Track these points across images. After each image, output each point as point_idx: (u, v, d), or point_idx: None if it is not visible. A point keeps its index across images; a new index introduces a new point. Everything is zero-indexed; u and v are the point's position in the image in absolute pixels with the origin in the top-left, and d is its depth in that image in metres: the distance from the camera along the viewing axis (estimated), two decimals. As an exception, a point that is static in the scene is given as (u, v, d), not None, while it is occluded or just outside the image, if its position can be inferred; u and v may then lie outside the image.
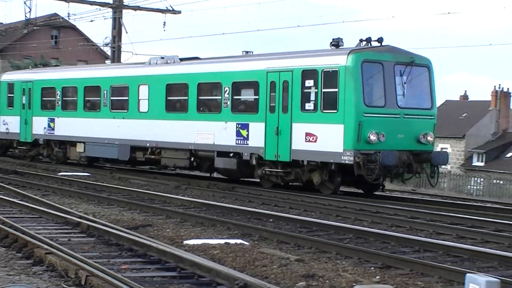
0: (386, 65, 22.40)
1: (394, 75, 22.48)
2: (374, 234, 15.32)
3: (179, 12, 42.99)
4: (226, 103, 25.66)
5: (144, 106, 29.20)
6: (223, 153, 25.70)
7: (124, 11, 43.14)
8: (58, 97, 34.03)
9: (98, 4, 43.05)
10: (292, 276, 11.32)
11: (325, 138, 22.40)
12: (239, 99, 25.96)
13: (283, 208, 20.43)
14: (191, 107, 27.06)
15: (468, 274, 8.71)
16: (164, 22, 42.08)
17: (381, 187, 24.18)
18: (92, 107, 32.42)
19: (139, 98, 29.44)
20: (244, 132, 24.93)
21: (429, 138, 22.87)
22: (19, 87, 36.61)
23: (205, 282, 10.66)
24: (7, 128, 37.31)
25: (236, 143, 25.20)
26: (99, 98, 31.56)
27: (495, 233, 16.19)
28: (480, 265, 12.53)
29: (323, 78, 22.52)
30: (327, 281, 11.08)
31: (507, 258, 12.60)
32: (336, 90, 22.18)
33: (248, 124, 24.82)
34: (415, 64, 22.84)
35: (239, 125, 25.07)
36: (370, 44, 23.00)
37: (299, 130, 23.11)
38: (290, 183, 24.58)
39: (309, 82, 23.08)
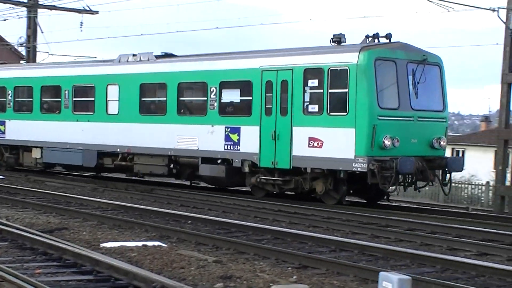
0: (399, 63, 20.54)
1: (407, 74, 20.66)
2: (292, 234, 15.47)
3: (97, 12, 40.88)
4: (213, 104, 23.39)
5: (113, 108, 26.65)
6: (209, 160, 23.45)
7: (39, 10, 40.88)
8: (9, 97, 31.05)
9: (11, 2, 40.59)
10: (209, 277, 11.37)
11: (332, 143, 20.41)
12: (228, 100, 23.73)
13: (202, 210, 20.42)
14: (170, 109, 24.67)
15: (381, 273, 8.91)
16: (81, 23, 39.78)
17: (385, 197, 22.37)
18: (50, 109, 29.62)
19: (108, 99, 26.87)
20: (234, 137, 22.73)
21: (442, 142, 21.13)
22: None
23: (121, 285, 10.56)
24: None
25: (225, 149, 22.97)
26: (59, 99, 28.79)
27: (408, 232, 16.64)
28: (393, 264, 12.81)
29: (329, 77, 20.51)
30: (244, 282, 11.15)
31: (419, 256, 12.98)
32: (346, 90, 20.20)
33: (239, 128, 22.62)
34: (427, 63, 21.06)
35: (229, 129, 22.86)
36: (378, 40, 21.13)
37: (301, 134, 21.05)
38: (286, 192, 22.55)
39: (313, 82, 21.05)
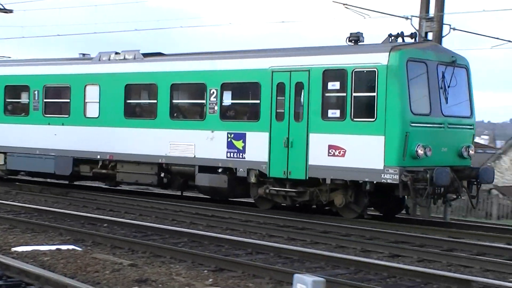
0: (430, 65, 18.87)
1: (438, 77, 19.03)
2: (208, 237, 15.55)
3: (11, 11, 38.29)
4: (213, 108, 21.28)
5: (93, 111, 24.25)
6: (207, 168, 21.34)
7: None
8: None
9: None
10: (124, 281, 11.21)
11: (357, 152, 18.61)
12: (232, 103, 21.71)
13: (118, 213, 20.34)
14: (161, 113, 22.43)
15: (295, 275, 8.96)
16: (-4, 21, 37.28)
17: (405, 210, 20.69)
18: (16, 111, 26.96)
19: (86, 100, 24.46)
20: (238, 144, 20.68)
21: (471, 151, 19.59)
22: None
23: (34, 290, 10.26)
24: None
25: (227, 157, 20.89)
26: (27, 100, 26.20)
27: (324, 234, 16.91)
28: (309, 266, 12.96)
29: (354, 79, 18.72)
30: (160, 285, 11.06)
31: (334, 258, 13.25)
32: (374, 94, 18.42)
33: (245, 134, 20.59)
34: (456, 65, 19.49)
35: (232, 135, 20.79)
36: (403, 40, 19.43)
37: (319, 141, 19.20)
38: (298, 205, 20.65)
39: (334, 85, 19.24)
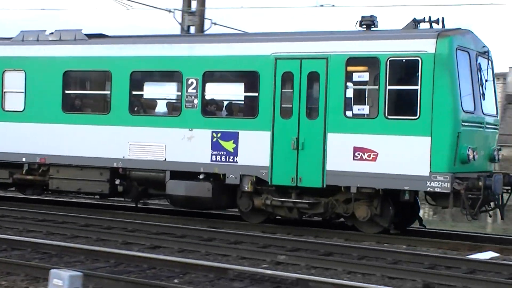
0: (472, 56, 16.33)
1: (478, 70, 16.54)
2: None
3: None
4: (192, 102, 17.47)
5: (15, 103, 19.57)
6: (183, 174, 17.52)
7: None
8: None
9: None
10: None
11: (393, 155, 15.69)
12: (219, 97, 17.97)
13: None
14: (117, 107, 18.24)
15: (52, 270, 8.83)
16: None
17: (418, 221, 18.00)
18: None
19: (4, 90, 19.74)
20: (228, 145, 17.05)
21: (501, 155, 17.33)
22: None
23: None
24: None
25: (211, 160, 17.20)
26: None
27: (84, 228, 16.71)
28: (67, 260, 12.75)
29: (388, 69, 15.76)
30: None
31: (93, 252, 13.14)
32: (417, 87, 15.57)
33: (237, 133, 16.98)
34: (488, 57, 17.11)
35: (218, 134, 17.11)
36: (431, 26, 16.72)
37: (340, 143, 16.07)
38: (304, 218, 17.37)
39: (361, 76, 16.22)
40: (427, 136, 15.37)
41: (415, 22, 16.68)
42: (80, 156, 18.53)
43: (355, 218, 16.40)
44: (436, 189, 15.25)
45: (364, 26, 16.92)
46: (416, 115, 15.47)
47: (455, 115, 15.34)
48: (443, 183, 15.15)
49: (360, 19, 16.97)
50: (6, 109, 19.67)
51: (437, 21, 16.75)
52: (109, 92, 18.48)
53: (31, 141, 19.17)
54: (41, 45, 19.42)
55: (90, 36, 19.07)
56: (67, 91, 19.09)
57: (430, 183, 15.27)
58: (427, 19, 16.67)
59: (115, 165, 18.16)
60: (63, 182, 18.97)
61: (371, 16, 16.97)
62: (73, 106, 19.16)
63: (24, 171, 19.43)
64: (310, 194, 16.54)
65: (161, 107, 18.60)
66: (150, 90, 19.34)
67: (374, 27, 16.94)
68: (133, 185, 18.44)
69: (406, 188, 15.55)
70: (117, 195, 19.03)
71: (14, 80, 19.53)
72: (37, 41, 19.50)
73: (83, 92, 19.79)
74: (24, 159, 19.31)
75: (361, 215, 16.20)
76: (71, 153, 18.65)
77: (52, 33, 19.51)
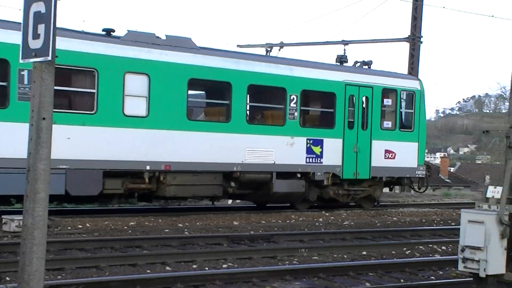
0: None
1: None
2: None
3: None
4: (293, 114, 21.03)
5: (137, 107, 18.17)
6: (284, 174, 20.95)
7: None
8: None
9: None
10: None
11: (402, 154, 23.88)
12: (310, 110, 21.47)
13: None
14: (237, 116, 19.89)
15: None
16: None
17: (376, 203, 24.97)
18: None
19: (126, 93, 17.94)
20: (317, 149, 21.72)
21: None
22: None
23: None
24: None
25: (306, 162, 21.42)
26: (4, 83, 16.02)
27: None
28: None
29: (400, 98, 23.75)
30: None
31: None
32: (412, 110, 24.03)
33: (322, 140, 21.81)
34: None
35: (311, 141, 21.50)
36: (369, 66, 24.86)
37: (378, 147, 23.16)
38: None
39: (388, 101, 23.67)
40: (416, 142, 24.34)
41: (356, 63, 24.46)
42: (201, 162, 19.36)
43: (362, 199, 23.67)
44: (419, 175, 24.46)
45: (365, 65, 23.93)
46: (411, 129, 24.20)
47: (426, 129, 24.80)
48: (422, 171, 24.52)
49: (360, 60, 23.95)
50: (126, 114, 17.96)
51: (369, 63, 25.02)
52: (229, 102, 19.80)
53: (155, 148, 18.46)
54: (165, 50, 18.57)
55: (205, 48, 19.66)
56: (190, 99, 19.13)
57: (417, 172, 24.39)
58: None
59: (234, 169, 20.01)
60: (180, 189, 19.19)
61: (343, 55, 24.00)
62: (196, 114, 19.26)
63: (147, 180, 18.39)
64: (354, 184, 23.02)
65: (270, 118, 20.88)
66: (261, 102, 20.83)
67: (345, 63, 24.00)
68: (245, 187, 20.39)
69: (407, 175, 24.16)
70: (230, 196, 20.29)
71: (137, 84, 18.05)
72: (159, 45, 18.52)
73: (206, 101, 19.64)
74: (148, 167, 18.43)
75: (377, 194, 23.81)
76: (193, 160, 19.21)
77: (158, 37, 18.80)
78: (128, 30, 18.70)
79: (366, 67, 24.24)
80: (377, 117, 23.37)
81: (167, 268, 12.07)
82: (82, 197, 17.94)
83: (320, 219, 20.13)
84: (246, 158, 20.30)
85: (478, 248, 7.72)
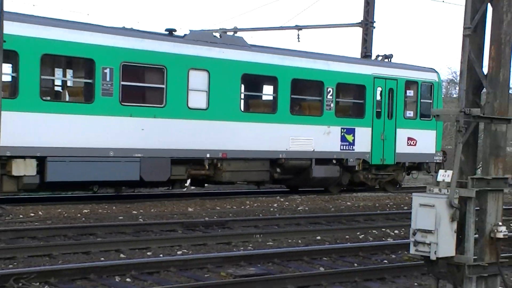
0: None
1: None
2: None
3: None
4: (330, 105, 23.01)
5: (199, 100, 19.90)
6: (321, 161, 22.89)
7: None
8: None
9: None
10: None
11: (423, 141, 25.95)
12: (343, 102, 23.42)
13: None
14: (282, 107, 21.80)
15: None
16: None
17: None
18: (68, 95, 17.42)
19: (190, 88, 19.71)
20: (349, 137, 23.70)
21: None
22: None
23: None
24: None
25: (340, 149, 23.40)
26: (90, 80, 17.89)
27: None
28: None
29: (420, 89, 25.79)
30: None
31: None
32: (430, 100, 26.10)
33: (354, 129, 23.81)
34: None
35: (344, 130, 23.50)
36: (390, 60, 26.91)
37: (402, 135, 25.21)
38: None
39: (410, 92, 25.76)
40: (434, 130, 26.40)
41: (380, 56, 26.50)
42: (252, 150, 21.24)
43: (387, 182, 25.70)
44: (437, 160, 26.54)
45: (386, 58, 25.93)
46: (430, 118, 26.25)
47: None
48: (439, 157, 26.61)
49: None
50: (190, 106, 19.73)
51: (390, 56, 27.04)
52: (276, 95, 21.67)
53: (214, 137, 20.27)
54: (222, 48, 20.38)
55: (256, 46, 21.68)
56: (245, 92, 21.06)
57: (435, 157, 26.47)
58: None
59: (280, 156, 21.90)
60: (234, 174, 21.07)
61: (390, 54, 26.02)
62: (249, 106, 21.07)
63: (198, 167, 20.25)
64: (381, 169, 25.02)
65: (310, 109, 22.79)
66: (302, 95, 22.71)
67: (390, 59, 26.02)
68: (288, 172, 22.30)
69: (427, 161, 26.22)
70: (274, 182, 22.20)
71: (198, 79, 19.84)
72: (216, 44, 20.29)
73: (256, 94, 21.43)
74: (208, 155, 20.23)
75: (399, 178, 25.87)
76: (245, 148, 21.07)
77: (215, 36, 20.68)
78: (190, 30, 20.51)
79: (387, 60, 26.23)
80: (400, 107, 25.37)
81: (121, 255, 12.12)
82: (154, 182, 19.80)
83: (275, 205, 20.45)
84: (290, 146, 22.20)
85: (429, 231, 7.65)
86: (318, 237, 14.82)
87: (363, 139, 24.21)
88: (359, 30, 30.81)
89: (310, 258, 12.11)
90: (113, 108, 18.40)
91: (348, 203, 21.91)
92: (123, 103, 18.63)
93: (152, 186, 20.92)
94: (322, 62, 23.21)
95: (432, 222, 7.66)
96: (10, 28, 16.04)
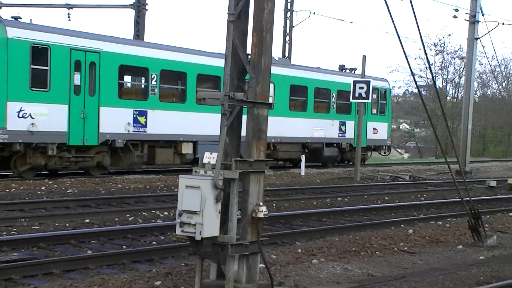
0: None
1: None
2: None
3: None
4: (333, 106, 33.41)
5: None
6: (327, 144, 33.24)
7: None
8: (153, 82, 24.94)
9: None
10: None
11: (379, 131, 36.93)
12: (340, 103, 33.90)
13: None
14: (310, 107, 32.26)
15: None
16: None
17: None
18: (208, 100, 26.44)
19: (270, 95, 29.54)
20: (343, 128, 34.23)
21: None
22: (66, 56, 22.35)
23: None
24: (32, 124, 21.56)
25: (338, 136, 33.95)
26: (218, 91, 27.05)
27: None
28: None
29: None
30: None
31: None
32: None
33: (345, 122, 34.30)
34: None
35: (341, 123, 33.97)
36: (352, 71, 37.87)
37: (369, 126, 36.05)
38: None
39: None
40: (386, 122, 37.54)
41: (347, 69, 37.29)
42: (293, 137, 31.50)
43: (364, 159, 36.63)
44: (387, 144, 37.68)
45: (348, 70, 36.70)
46: (385, 113, 37.33)
47: (391, 113, 38.25)
48: (389, 141, 37.80)
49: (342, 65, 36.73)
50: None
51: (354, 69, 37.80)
52: (306, 98, 32.08)
53: (276, 128, 30.00)
54: (278, 67, 30.38)
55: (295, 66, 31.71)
56: (291, 97, 31.46)
57: (386, 142, 37.63)
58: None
59: (308, 141, 32.28)
60: (283, 153, 31.37)
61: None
62: (293, 107, 31.29)
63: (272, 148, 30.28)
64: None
65: (323, 108, 33.13)
66: (318, 98, 33.02)
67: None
68: (311, 152, 32.57)
69: (382, 144, 37.30)
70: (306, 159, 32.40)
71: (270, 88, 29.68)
72: (276, 64, 30.26)
73: (296, 98, 31.63)
74: (272, 140, 30.26)
75: (367, 156, 36.87)
76: (290, 135, 31.29)
77: (274, 58, 30.61)
78: (279, 58, 31.04)
79: (352, 71, 36.71)
80: (369, 106, 36.09)
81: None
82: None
83: (43, 188, 20.29)
84: (313, 134, 32.46)
85: (195, 212, 7.71)
86: (87, 220, 14.74)
87: (350, 129, 34.83)
88: (132, 12, 31.57)
89: (77, 242, 12.10)
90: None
91: (119, 185, 22.10)
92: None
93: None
94: (330, 76, 33.84)
95: (198, 203, 7.72)
96: (146, 51, 24.78)
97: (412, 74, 24.57)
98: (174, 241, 10.02)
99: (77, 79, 22.52)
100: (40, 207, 16.26)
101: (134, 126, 24.37)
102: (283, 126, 30.70)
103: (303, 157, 29.93)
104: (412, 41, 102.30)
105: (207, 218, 7.77)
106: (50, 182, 21.34)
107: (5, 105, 20.86)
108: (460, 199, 14.08)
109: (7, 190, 19.15)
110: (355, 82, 26.99)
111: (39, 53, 21.56)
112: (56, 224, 14.09)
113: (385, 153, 38.28)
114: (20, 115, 21.27)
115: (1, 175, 22.76)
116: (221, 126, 7.91)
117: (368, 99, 27.05)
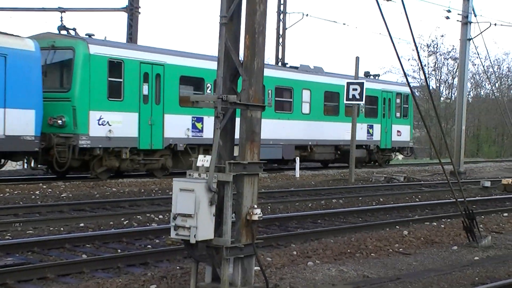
0: None
1: None
2: None
3: None
4: (362, 110, 35.64)
5: (306, 108, 32.59)
6: (357, 146, 34.46)
7: None
8: (208, 91, 27.39)
9: None
10: None
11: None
12: (367, 107, 36.22)
13: None
14: (341, 111, 34.65)
15: None
16: None
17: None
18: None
19: (302, 100, 32.17)
20: (371, 131, 36.75)
21: None
22: (136, 69, 24.92)
23: None
24: (109, 131, 24.16)
25: (366, 138, 36.38)
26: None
27: None
28: None
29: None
30: None
31: None
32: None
33: (373, 125, 36.76)
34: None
35: (369, 126, 36.46)
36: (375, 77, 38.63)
37: (392, 129, 38.24)
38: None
39: (398, 101, 38.98)
40: (409, 125, 40.14)
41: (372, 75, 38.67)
42: (327, 139, 33.72)
43: (387, 160, 38.62)
44: (410, 146, 40.30)
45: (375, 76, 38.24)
46: (407, 117, 38.84)
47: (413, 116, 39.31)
48: (412, 143, 39.47)
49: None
50: (303, 112, 32.46)
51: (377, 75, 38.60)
52: (337, 104, 34.52)
53: (312, 131, 32.61)
54: (314, 75, 32.90)
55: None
56: (325, 103, 33.77)
57: (409, 144, 40.30)
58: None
59: (340, 144, 34.44)
60: (319, 155, 33.51)
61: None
62: (327, 111, 33.93)
63: (302, 150, 32.51)
64: (385, 151, 38.08)
65: (348, 113, 33.49)
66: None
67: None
68: (342, 154, 34.28)
69: (405, 146, 39.91)
70: (336, 161, 35.11)
71: (306, 95, 32.25)
72: (311, 72, 32.91)
73: (330, 103, 34.17)
74: (310, 143, 32.67)
75: (391, 157, 38.77)
76: (324, 138, 33.55)
77: (308, 66, 33.38)
78: (300, 64, 32.98)
79: (377, 77, 38.50)
80: (393, 110, 38.05)
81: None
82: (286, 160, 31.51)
83: (37, 192, 20.47)
84: (345, 137, 34.04)
85: (189, 216, 7.71)
86: (82, 224, 14.81)
87: (377, 132, 36.93)
88: (125, 15, 31.54)
89: (72, 246, 12.09)
90: (271, 113, 29.88)
91: (114, 189, 22.35)
92: (276, 111, 30.63)
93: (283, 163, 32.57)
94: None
95: (192, 207, 7.72)
96: (202, 63, 26.76)
97: (405, 75, 24.48)
98: (169, 244, 10.12)
99: (145, 89, 24.97)
100: (34, 212, 16.41)
101: (192, 131, 26.76)
102: (318, 130, 32.89)
103: (297, 159, 30.99)
104: (405, 42, 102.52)
105: (201, 221, 7.78)
106: (44, 187, 21.68)
107: (87, 114, 23.28)
108: (454, 200, 14.18)
109: (1, 195, 19.32)
110: (348, 84, 27.10)
111: (115, 67, 24.01)
112: (51, 229, 14.18)
113: (407, 154, 39.48)
114: (100, 123, 23.65)
115: (77, 177, 24.84)
116: (214, 128, 7.87)
117: (362, 100, 27.19)
